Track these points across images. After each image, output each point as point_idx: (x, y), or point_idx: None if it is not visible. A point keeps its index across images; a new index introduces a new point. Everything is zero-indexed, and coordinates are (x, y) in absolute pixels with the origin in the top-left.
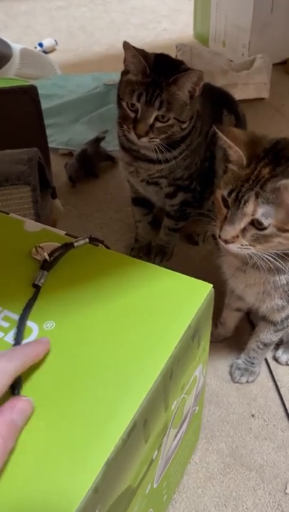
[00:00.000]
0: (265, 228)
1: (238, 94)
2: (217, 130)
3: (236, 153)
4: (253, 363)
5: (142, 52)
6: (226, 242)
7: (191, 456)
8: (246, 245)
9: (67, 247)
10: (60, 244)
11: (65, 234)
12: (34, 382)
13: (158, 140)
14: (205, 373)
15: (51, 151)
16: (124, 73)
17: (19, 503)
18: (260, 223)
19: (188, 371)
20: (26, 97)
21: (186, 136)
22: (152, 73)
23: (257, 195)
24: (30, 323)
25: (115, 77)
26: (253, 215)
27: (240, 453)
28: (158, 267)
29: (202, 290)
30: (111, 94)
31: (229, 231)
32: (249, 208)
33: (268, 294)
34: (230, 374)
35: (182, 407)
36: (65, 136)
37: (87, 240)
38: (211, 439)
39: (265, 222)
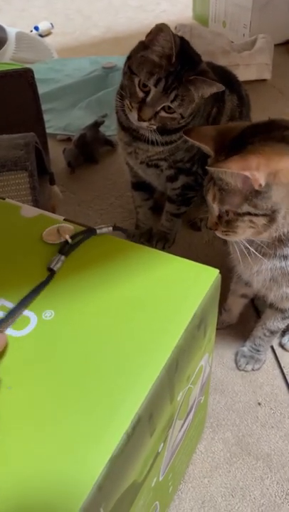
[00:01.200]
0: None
1: (240, 75)
2: (184, 135)
3: (205, 149)
4: (258, 351)
5: (175, 39)
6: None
7: (196, 445)
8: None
9: (89, 232)
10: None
11: (64, 219)
12: (34, 376)
13: (155, 127)
14: (211, 362)
15: (49, 136)
16: (144, 47)
17: (22, 501)
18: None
19: (194, 361)
20: (22, 80)
21: (181, 128)
22: (176, 62)
23: (214, 183)
24: (27, 313)
25: (113, 60)
26: (213, 203)
27: (246, 442)
28: (162, 252)
29: (208, 276)
30: (109, 77)
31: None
32: (210, 196)
33: (275, 281)
34: (236, 362)
35: (188, 397)
36: (63, 121)
37: (111, 228)
38: (216, 428)
39: (222, 208)
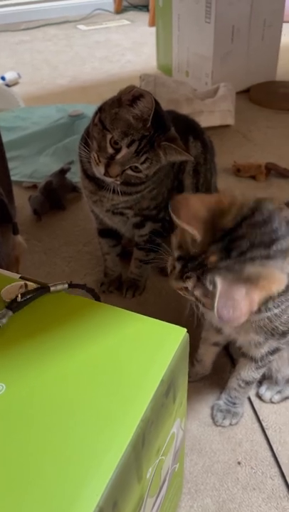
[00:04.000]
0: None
1: (204, 122)
2: (172, 213)
3: (192, 232)
4: (234, 403)
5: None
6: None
7: None
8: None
9: (42, 290)
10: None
11: (20, 277)
12: None
13: (119, 183)
14: (184, 426)
15: (15, 184)
16: (118, 104)
17: None
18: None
19: (164, 431)
20: None
21: (143, 183)
22: (151, 128)
23: (198, 278)
24: None
25: (80, 108)
26: (192, 289)
27: (227, 508)
28: (124, 310)
29: (175, 336)
30: (75, 125)
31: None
32: (190, 283)
33: (241, 326)
34: (212, 417)
35: (159, 471)
36: (29, 168)
37: (66, 285)
38: (195, 494)
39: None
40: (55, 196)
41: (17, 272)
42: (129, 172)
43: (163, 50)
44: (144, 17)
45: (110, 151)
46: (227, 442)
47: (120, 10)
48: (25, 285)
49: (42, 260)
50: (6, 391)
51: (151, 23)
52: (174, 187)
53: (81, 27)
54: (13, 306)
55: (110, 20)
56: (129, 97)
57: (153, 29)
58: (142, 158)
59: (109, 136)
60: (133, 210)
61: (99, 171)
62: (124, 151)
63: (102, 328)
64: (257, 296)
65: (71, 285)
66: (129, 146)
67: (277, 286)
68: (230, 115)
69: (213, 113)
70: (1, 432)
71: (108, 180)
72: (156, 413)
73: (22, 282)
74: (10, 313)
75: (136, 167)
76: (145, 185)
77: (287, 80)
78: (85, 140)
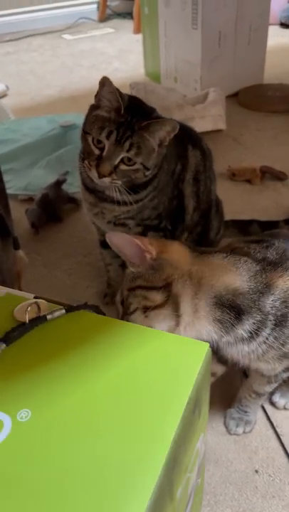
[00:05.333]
0: None
1: (196, 127)
2: None
3: None
4: (246, 412)
5: (118, 91)
6: None
7: None
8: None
9: (36, 322)
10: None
11: (34, 297)
12: (12, 493)
13: (119, 183)
14: (205, 440)
15: (10, 197)
16: (94, 108)
17: None
18: None
19: (191, 448)
20: None
21: (150, 182)
22: (126, 113)
23: None
24: None
25: (71, 118)
26: None
27: None
28: (145, 328)
29: (198, 351)
30: (68, 135)
31: None
32: None
33: (249, 359)
34: (226, 425)
35: (187, 488)
36: (23, 180)
37: (64, 311)
38: (214, 505)
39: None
40: (51, 208)
41: (19, 288)
42: (123, 167)
43: (150, 57)
44: (128, 25)
45: (96, 151)
46: (243, 451)
47: (104, 18)
48: (38, 305)
49: (42, 274)
50: (32, 417)
51: (136, 31)
52: (174, 196)
53: (66, 36)
54: (7, 337)
55: (95, 29)
56: (97, 95)
57: (138, 36)
58: (126, 145)
59: (90, 139)
60: (135, 220)
61: (93, 175)
62: (106, 145)
63: (122, 346)
64: None
65: (70, 309)
66: (108, 137)
67: None
68: (222, 120)
69: (205, 118)
70: (31, 459)
71: (105, 181)
72: (185, 432)
73: (33, 301)
74: (3, 345)
75: (128, 159)
76: (147, 190)
77: (275, 82)
78: (80, 154)
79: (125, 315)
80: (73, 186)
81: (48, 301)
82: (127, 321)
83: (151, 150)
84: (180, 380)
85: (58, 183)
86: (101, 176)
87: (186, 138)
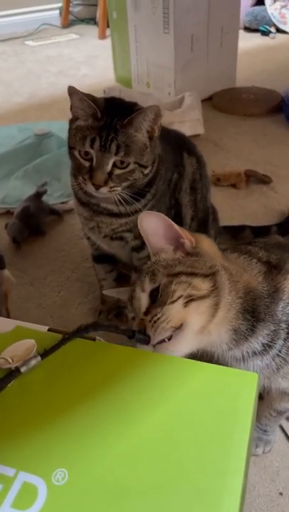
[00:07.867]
0: None
1: None
2: None
3: None
4: (266, 431)
5: (89, 96)
6: None
7: None
8: None
9: (12, 376)
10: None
11: (48, 329)
12: None
13: (120, 189)
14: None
15: None
16: (73, 121)
17: None
18: None
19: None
20: None
21: (151, 183)
22: (104, 116)
23: None
24: (31, 479)
25: (44, 125)
26: None
27: None
28: (182, 359)
29: (248, 383)
30: (43, 144)
31: None
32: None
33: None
34: None
35: None
36: (0, 193)
37: (39, 358)
38: None
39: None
40: (33, 222)
41: (7, 309)
42: (118, 171)
43: (120, 62)
44: (92, 30)
45: (86, 164)
46: (264, 473)
47: (67, 24)
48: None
49: (30, 292)
50: (70, 479)
51: (102, 36)
52: (171, 206)
53: (29, 43)
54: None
55: (58, 35)
56: (71, 108)
57: (104, 42)
58: (114, 148)
59: (76, 153)
60: (133, 232)
61: (90, 189)
62: (94, 154)
63: (164, 382)
64: None
65: (62, 341)
66: (92, 146)
67: None
68: (200, 124)
69: (184, 123)
70: None
71: (104, 193)
72: (246, 467)
73: (31, 341)
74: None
75: (120, 162)
76: (146, 198)
77: (247, 85)
78: (72, 172)
79: (163, 305)
80: (53, 197)
81: (60, 332)
82: (161, 312)
83: (142, 145)
84: (237, 416)
85: (38, 195)
86: (97, 187)
87: (180, 145)
